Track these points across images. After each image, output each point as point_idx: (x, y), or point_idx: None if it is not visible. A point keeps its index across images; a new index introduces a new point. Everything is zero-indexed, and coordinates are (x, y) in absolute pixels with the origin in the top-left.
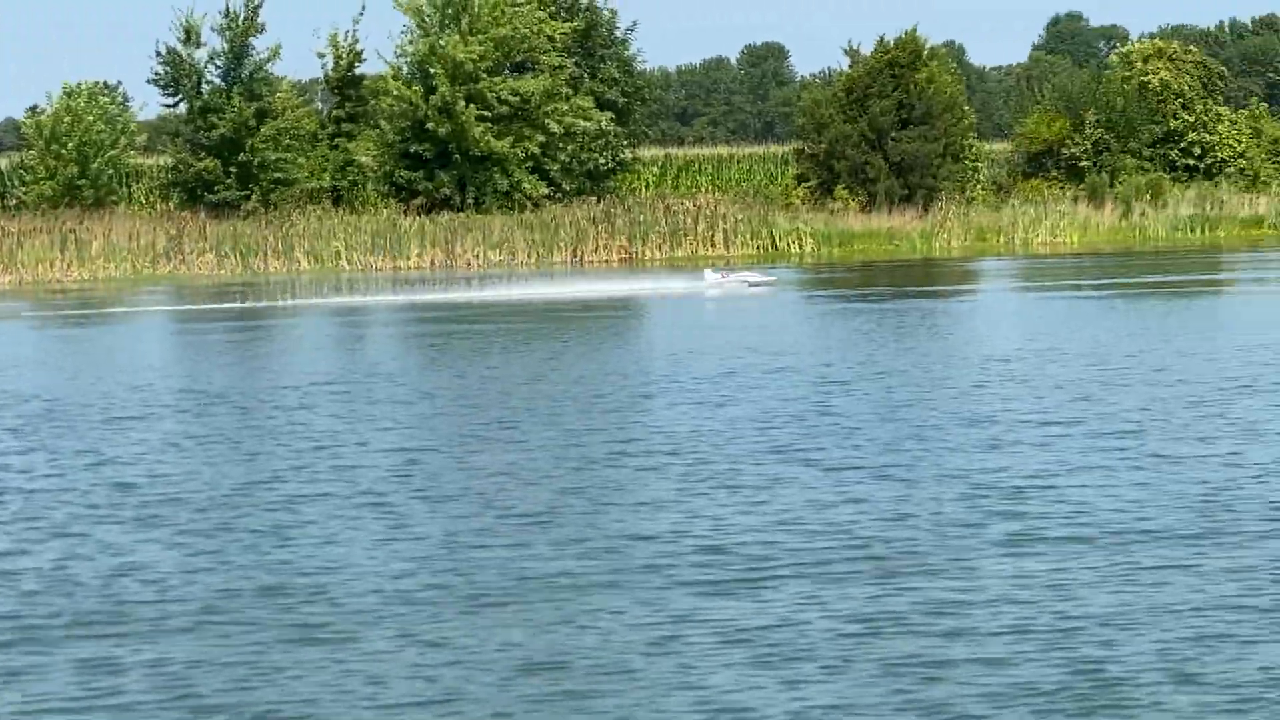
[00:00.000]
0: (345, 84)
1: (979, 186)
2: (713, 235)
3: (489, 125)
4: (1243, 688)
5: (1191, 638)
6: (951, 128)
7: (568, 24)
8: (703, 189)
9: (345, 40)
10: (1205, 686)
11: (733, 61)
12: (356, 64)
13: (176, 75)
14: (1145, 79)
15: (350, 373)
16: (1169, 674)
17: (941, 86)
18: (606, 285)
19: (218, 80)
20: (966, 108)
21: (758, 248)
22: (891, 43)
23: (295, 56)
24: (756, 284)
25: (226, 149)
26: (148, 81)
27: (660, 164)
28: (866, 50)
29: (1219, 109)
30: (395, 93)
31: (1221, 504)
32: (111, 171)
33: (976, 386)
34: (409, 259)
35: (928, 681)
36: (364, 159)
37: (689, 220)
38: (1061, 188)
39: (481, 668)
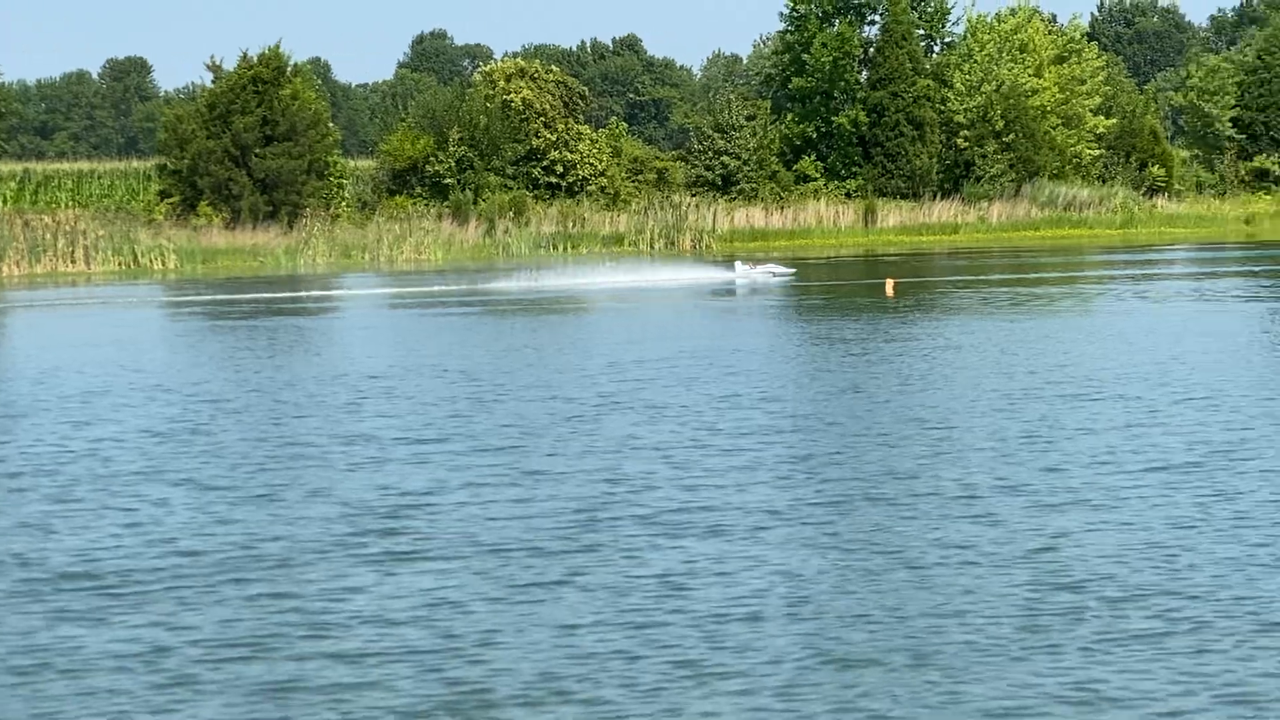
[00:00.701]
0: None
1: (344, 203)
2: (73, 252)
3: None
4: (615, 704)
5: (569, 655)
6: (316, 144)
7: None
8: (63, 205)
9: None
10: (584, 705)
11: (94, 75)
12: None
13: None
14: (508, 97)
15: None
16: (547, 691)
17: (306, 103)
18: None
19: None
20: (331, 125)
21: (120, 265)
22: (255, 59)
23: None
24: (780, 275)
25: None
26: None
27: (19, 179)
28: (230, 66)
29: (580, 128)
30: None
31: (596, 519)
32: None
33: (350, 404)
34: None
35: (301, 706)
36: None
37: (49, 236)
38: (426, 205)
39: None
